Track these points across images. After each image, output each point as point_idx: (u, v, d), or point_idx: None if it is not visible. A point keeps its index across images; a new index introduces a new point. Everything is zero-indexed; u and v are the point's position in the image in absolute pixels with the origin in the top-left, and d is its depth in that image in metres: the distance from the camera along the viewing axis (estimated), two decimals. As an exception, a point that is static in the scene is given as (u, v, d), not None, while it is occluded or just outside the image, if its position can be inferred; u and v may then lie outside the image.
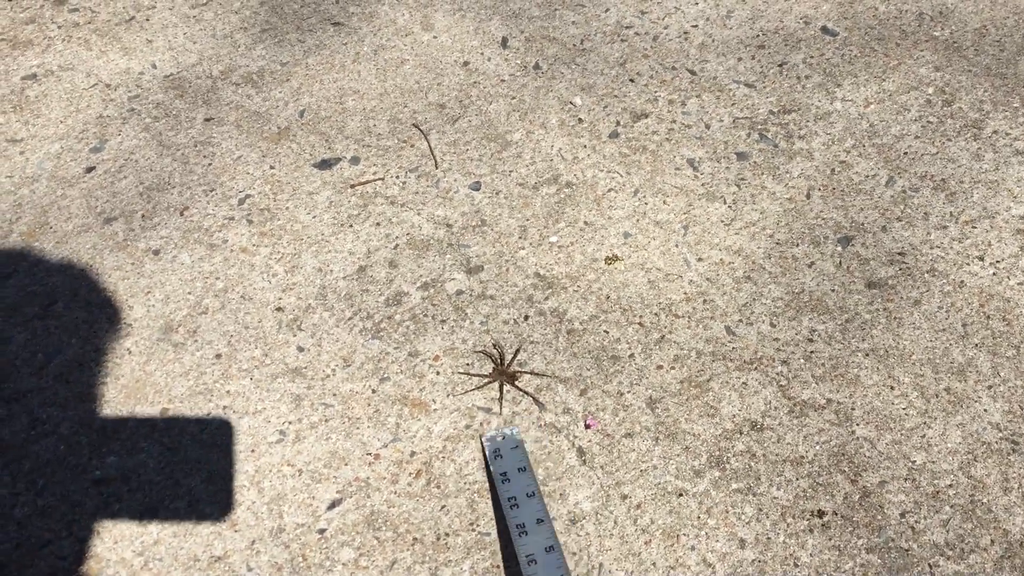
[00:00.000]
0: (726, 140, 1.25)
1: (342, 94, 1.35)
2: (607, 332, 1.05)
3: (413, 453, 0.96)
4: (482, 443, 0.96)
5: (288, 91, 1.35)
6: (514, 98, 1.32)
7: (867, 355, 1.02)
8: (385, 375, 1.02)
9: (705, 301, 1.07)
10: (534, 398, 1.00)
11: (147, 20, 1.50)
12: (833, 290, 1.08)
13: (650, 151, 1.24)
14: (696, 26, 1.42)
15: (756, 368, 1.01)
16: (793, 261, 1.11)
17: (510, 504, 0.89)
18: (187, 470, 0.95)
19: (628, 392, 1.00)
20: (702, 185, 1.19)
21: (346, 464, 0.95)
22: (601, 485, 0.93)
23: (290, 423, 0.99)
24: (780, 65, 1.35)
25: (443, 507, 0.92)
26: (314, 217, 1.19)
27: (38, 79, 1.41)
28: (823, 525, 0.90)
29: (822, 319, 1.05)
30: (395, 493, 0.93)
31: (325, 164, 1.25)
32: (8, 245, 1.18)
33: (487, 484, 0.93)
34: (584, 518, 0.91)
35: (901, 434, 0.96)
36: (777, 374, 1.01)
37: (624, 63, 1.36)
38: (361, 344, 1.05)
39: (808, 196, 1.18)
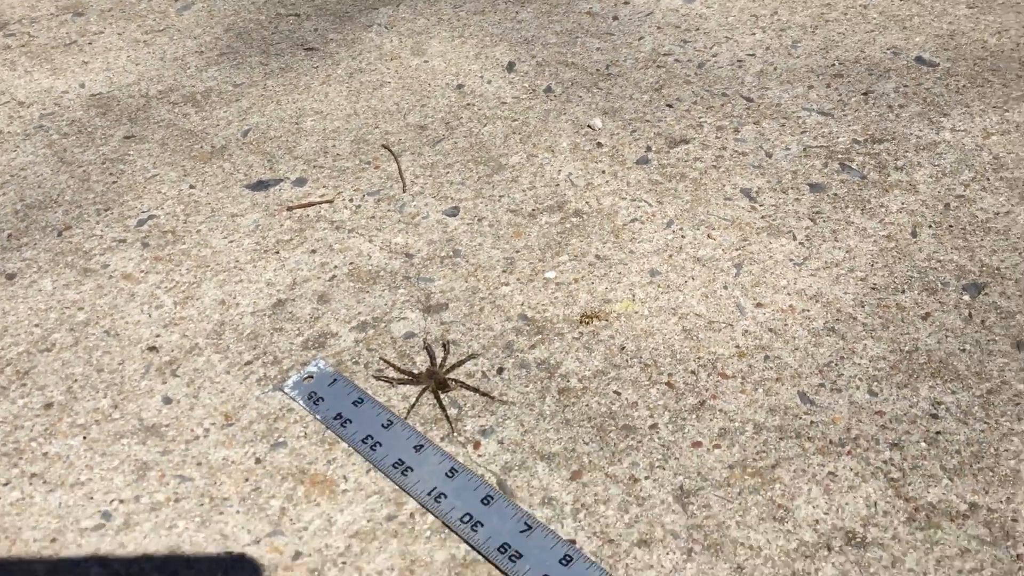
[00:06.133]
0: (795, 170, 0.92)
1: (300, 114, 1.06)
2: (618, 394, 0.69)
3: (297, 555, 0.60)
4: (286, 394, 0.72)
5: (235, 111, 1.07)
6: (515, 120, 1.02)
7: (1028, 440, 0.64)
8: (281, 439, 0.67)
9: (768, 358, 0.72)
10: (447, 418, 0.67)
11: (89, 44, 1.25)
12: (963, 350, 0.72)
13: (691, 179, 0.92)
14: (753, 55, 1.12)
15: (850, 452, 0.65)
16: (899, 311, 0.76)
17: (369, 447, 0.66)
18: (-60, 563, 0.60)
19: (647, 478, 0.63)
20: (762, 218, 0.86)
21: (189, 568, 0.59)
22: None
23: (121, 502, 0.64)
24: (864, 94, 1.04)
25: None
26: (231, 242, 0.87)
27: (-57, 97, 1.15)
28: None
29: (951, 388, 0.69)
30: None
31: (261, 185, 0.95)
32: None
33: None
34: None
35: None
36: (884, 462, 0.64)
37: (660, 88, 1.06)
38: (255, 397, 0.71)
39: (914, 234, 0.83)
